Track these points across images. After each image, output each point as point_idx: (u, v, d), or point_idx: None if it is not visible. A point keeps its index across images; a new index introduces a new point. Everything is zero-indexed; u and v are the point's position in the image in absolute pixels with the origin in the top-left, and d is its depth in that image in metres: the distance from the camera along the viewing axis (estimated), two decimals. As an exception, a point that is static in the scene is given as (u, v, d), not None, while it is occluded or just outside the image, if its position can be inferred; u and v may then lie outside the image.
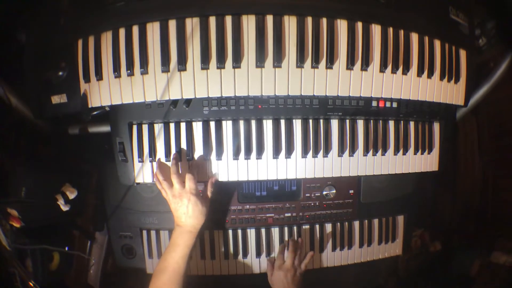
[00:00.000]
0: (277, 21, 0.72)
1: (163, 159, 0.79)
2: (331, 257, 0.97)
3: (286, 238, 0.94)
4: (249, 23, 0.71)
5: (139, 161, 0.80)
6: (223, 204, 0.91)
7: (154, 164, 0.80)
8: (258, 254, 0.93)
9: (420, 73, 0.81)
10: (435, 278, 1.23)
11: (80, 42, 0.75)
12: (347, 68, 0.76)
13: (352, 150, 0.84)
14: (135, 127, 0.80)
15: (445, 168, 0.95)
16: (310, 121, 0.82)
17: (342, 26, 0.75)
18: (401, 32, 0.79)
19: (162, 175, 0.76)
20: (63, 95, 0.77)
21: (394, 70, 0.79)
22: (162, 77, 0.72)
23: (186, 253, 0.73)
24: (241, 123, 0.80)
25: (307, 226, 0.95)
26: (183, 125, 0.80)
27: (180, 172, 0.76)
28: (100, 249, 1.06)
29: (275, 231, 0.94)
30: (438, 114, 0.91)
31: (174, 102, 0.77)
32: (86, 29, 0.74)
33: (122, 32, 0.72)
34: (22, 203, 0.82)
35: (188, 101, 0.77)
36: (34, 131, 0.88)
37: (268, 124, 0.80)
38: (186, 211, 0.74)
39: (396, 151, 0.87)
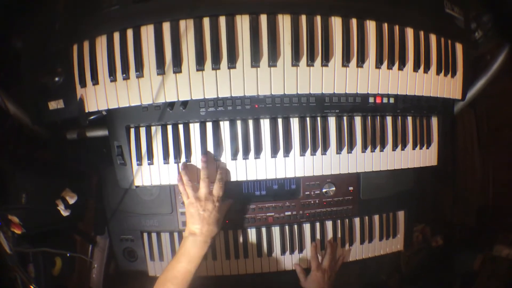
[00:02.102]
0: (271, 20, 0.72)
1: (161, 161, 0.80)
2: (333, 255, 0.97)
3: (287, 237, 0.94)
4: (243, 23, 0.71)
5: (138, 164, 0.80)
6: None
7: (152, 167, 0.80)
8: (259, 254, 0.93)
9: (416, 68, 0.81)
10: (437, 272, 1.23)
11: (75, 47, 0.75)
12: (343, 65, 0.75)
13: (351, 147, 0.84)
14: (132, 130, 0.80)
15: (444, 163, 0.95)
16: (308, 119, 0.82)
17: (336, 23, 0.75)
18: (396, 28, 0.79)
19: (188, 177, 0.75)
20: (60, 100, 0.77)
21: (390, 66, 0.78)
22: (157, 79, 0.72)
23: (198, 263, 0.72)
24: (239, 123, 0.80)
25: (307, 224, 0.95)
26: (180, 127, 0.80)
27: (209, 176, 0.76)
28: (102, 253, 1.06)
29: (276, 230, 0.94)
30: (435, 109, 0.91)
31: (171, 104, 0.77)
32: (81, 34, 0.75)
33: (116, 36, 0.72)
34: (23, 210, 0.82)
35: (184, 103, 0.77)
36: (32, 137, 0.89)
37: (265, 124, 0.80)
38: (207, 217, 0.73)
39: (395, 146, 0.87)
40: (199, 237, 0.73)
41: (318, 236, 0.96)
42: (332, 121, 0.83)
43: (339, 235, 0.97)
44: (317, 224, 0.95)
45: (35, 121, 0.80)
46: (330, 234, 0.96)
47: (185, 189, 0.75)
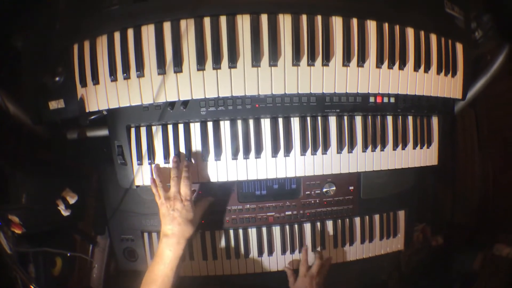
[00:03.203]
0: (272, 20, 0.72)
1: (162, 161, 0.80)
2: (333, 254, 0.97)
3: (288, 237, 0.94)
4: (243, 22, 0.71)
5: (138, 164, 0.80)
6: (223, 204, 0.91)
7: (153, 166, 0.80)
8: (260, 253, 0.93)
9: (417, 67, 0.81)
10: (437, 272, 1.23)
11: (75, 47, 0.75)
12: (344, 65, 0.76)
13: (351, 147, 0.84)
14: (133, 130, 0.80)
15: (445, 162, 0.95)
16: (308, 118, 0.82)
17: (337, 22, 0.75)
18: (397, 27, 0.79)
19: (160, 179, 0.75)
20: (61, 100, 0.77)
21: (390, 66, 0.78)
22: (158, 79, 0.72)
23: (174, 265, 0.70)
24: (239, 122, 0.80)
25: (308, 224, 0.95)
26: (181, 127, 0.80)
27: (178, 176, 0.75)
28: (102, 253, 1.06)
29: (276, 229, 0.94)
30: (436, 108, 0.91)
31: (171, 104, 0.77)
32: (82, 34, 0.75)
33: (117, 35, 0.72)
34: (23, 210, 0.82)
35: (185, 103, 0.77)
36: (32, 137, 0.89)
37: (266, 123, 0.80)
38: (178, 217, 0.72)
39: (395, 146, 0.87)
40: (171, 238, 0.71)
41: (318, 235, 0.96)
42: (332, 120, 0.83)
43: (340, 234, 0.97)
44: (318, 224, 0.96)
45: (36, 121, 0.80)
46: (330, 234, 0.97)
47: (157, 190, 0.75)
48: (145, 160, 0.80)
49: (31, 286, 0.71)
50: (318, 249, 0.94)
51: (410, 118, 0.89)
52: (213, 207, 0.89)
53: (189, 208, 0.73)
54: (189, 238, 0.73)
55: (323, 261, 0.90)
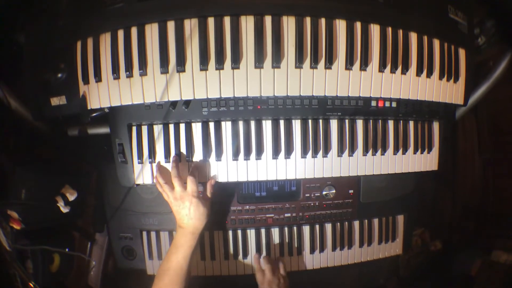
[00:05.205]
0: (276, 22, 0.72)
1: (162, 161, 0.79)
2: (331, 257, 0.97)
3: (286, 239, 0.94)
4: (247, 23, 0.71)
5: (139, 163, 0.80)
6: (223, 205, 0.91)
7: (154, 165, 0.80)
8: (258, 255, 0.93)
9: (419, 72, 0.81)
10: (436, 277, 1.24)
11: (79, 44, 0.75)
12: (346, 68, 0.75)
13: (352, 150, 0.84)
14: (134, 129, 0.80)
15: (445, 168, 0.95)
16: (310, 121, 0.82)
17: (341, 26, 0.75)
18: (400, 32, 0.79)
19: (163, 178, 0.76)
20: (62, 96, 0.77)
21: (393, 70, 0.78)
22: (161, 78, 0.72)
23: (188, 254, 0.74)
24: (240, 123, 0.80)
25: (307, 226, 0.95)
26: (182, 126, 0.80)
27: (180, 174, 0.76)
28: (101, 251, 1.06)
29: (275, 231, 0.94)
30: (437, 114, 0.91)
31: (173, 103, 0.77)
32: (85, 31, 0.74)
33: (120, 33, 0.72)
34: (22, 205, 0.82)
35: (187, 102, 0.77)
36: (33, 133, 0.88)
37: (267, 125, 0.80)
38: (188, 213, 0.74)
39: (396, 150, 0.87)
40: (185, 229, 0.75)
41: (317, 238, 0.96)
42: (334, 124, 0.83)
43: (338, 238, 0.97)
44: (317, 227, 0.96)
45: (37, 117, 0.80)
46: (329, 237, 0.97)
47: (163, 189, 0.76)
48: (146, 159, 0.80)
49: (30, 284, 0.71)
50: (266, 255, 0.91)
51: (411, 123, 0.89)
52: (212, 208, 0.88)
53: (197, 204, 0.75)
54: (202, 229, 0.77)
55: (272, 265, 0.87)
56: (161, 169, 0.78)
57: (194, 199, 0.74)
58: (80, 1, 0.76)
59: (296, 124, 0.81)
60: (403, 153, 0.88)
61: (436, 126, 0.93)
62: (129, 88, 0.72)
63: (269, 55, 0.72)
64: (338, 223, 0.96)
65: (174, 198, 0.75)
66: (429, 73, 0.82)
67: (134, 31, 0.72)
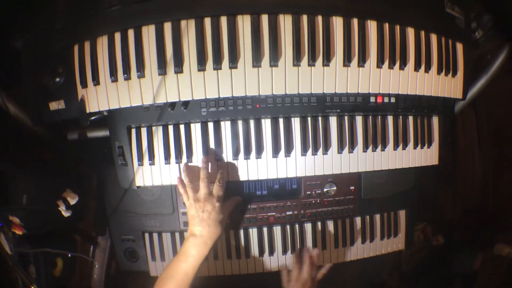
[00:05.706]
0: (273, 20, 0.72)
1: (162, 162, 0.79)
2: (334, 254, 0.97)
3: (289, 237, 0.94)
4: (244, 23, 0.71)
5: (139, 165, 0.80)
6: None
7: (153, 167, 0.80)
8: (261, 253, 0.93)
9: (417, 67, 0.81)
10: (438, 271, 1.24)
11: (76, 48, 0.75)
12: (344, 65, 0.76)
13: (352, 147, 0.84)
14: (133, 131, 0.80)
15: (445, 162, 0.95)
16: (309, 118, 0.82)
17: (337, 23, 0.75)
18: (397, 27, 0.79)
19: (189, 179, 0.75)
20: (61, 101, 0.77)
21: (391, 66, 0.78)
22: (159, 80, 0.72)
23: (198, 264, 0.71)
24: (240, 123, 0.80)
25: (308, 224, 0.95)
26: (181, 127, 0.80)
27: (208, 176, 0.75)
28: (103, 253, 1.06)
29: (277, 229, 0.94)
30: (436, 108, 0.91)
31: (172, 104, 0.77)
32: (82, 34, 0.74)
33: (117, 36, 0.72)
34: (24, 210, 0.82)
35: (186, 103, 0.77)
36: (33, 137, 0.89)
37: (266, 123, 0.80)
38: (207, 218, 0.72)
39: (396, 146, 0.88)
40: (198, 238, 0.72)
41: (319, 235, 0.96)
42: (333, 120, 0.83)
43: (340, 234, 0.97)
44: (319, 224, 0.96)
45: (36, 122, 0.80)
46: (331, 234, 0.97)
47: (185, 190, 0.75)
48: (146, 161, 0.80)
49: (32, 287, 0.71)
50: (315, 251, 0.88)
51: (410, 118, 0.89)
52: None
53: (218, 210, 0.73)
54: (216, 238, 0.74)
55: (313, 266, 0.86)
56: (188, 170, 0.77)
57: (218, 204, 0.73)
58: (77, 5, 0.76)
59: (296, 122, 0.81)
60: (403, 149, 0.88)
61: (435, 120, 0.93)
62: (127, 91, 0.72)
63: (267, 53, 0.72)
64: (340, 220, 0.96)
65: (196, 200, 0.73)
66: (427, 68, 0.82)
67: (131, 33, 0.72)
